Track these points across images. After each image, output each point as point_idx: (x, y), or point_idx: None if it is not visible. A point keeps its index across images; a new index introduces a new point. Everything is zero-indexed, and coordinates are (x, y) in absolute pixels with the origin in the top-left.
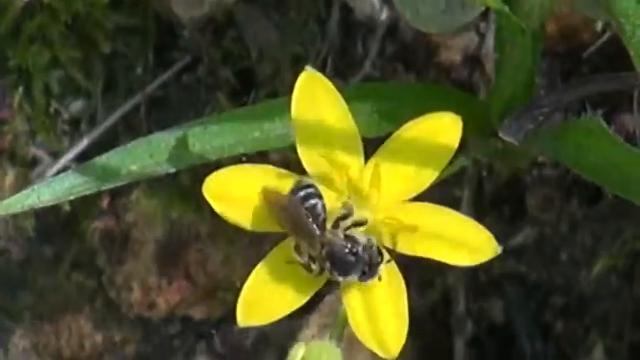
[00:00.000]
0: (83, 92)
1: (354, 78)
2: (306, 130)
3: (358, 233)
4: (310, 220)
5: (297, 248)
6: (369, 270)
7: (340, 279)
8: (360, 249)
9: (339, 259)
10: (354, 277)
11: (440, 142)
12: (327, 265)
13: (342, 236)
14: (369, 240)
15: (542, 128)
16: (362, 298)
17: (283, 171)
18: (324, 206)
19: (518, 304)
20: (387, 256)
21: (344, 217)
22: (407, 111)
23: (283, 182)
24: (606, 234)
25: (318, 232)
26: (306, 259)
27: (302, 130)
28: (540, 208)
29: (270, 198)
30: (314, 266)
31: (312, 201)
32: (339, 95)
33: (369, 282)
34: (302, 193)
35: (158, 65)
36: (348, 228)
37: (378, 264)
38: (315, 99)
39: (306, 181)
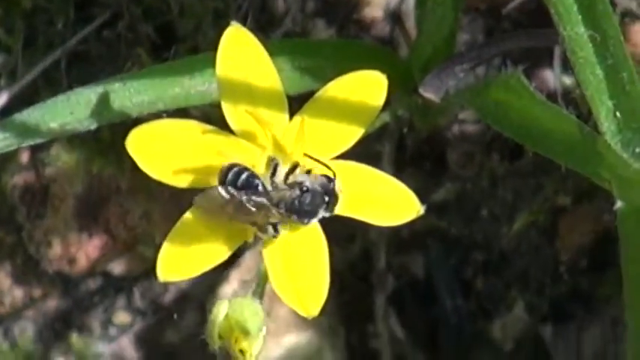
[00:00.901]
0: (3, 47)
1: (274, 33)
2: (231, 85)
3: (296, 176)
4: (253, 198)
5: (257, 227)
6: (329, 198)
7: (313, 221)
8: (308, 185)
9: (299, 206)
10: (323, 213)
11: (365, 100)
12: (295, 218)
13: (286, 187)
14: (308, 174)
15: (463, 85)
16: (283, 257)
17: (206, 125)
18: (254, 174)
19: (438, 259)
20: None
21: (275, 171)
22: (328, 67)
23: (206, 137)
24: (527, 190)
25: (267, 202)
26: (271, 231)
27: (227, 86)
28: (461, 164)
29: (208, 208)
30: (280, 229)
31: (243, 176)
32: (264, 51)
33: (336, 210)
34: (230, 176)
35: (79, 20)
36: (286, 178)
37: (333, 186)
38: (240, 54)
39: (225, 165)
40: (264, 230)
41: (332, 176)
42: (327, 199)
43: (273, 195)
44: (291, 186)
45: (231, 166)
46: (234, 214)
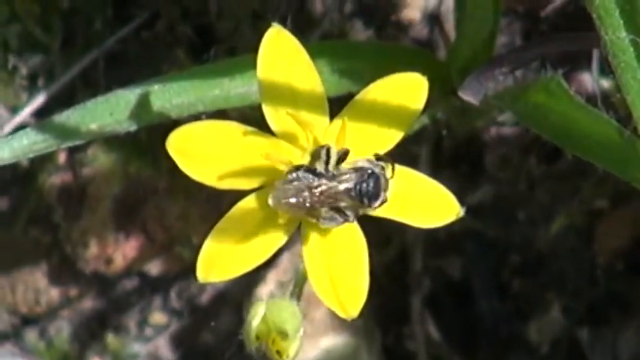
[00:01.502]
0: (41, 47)
1: (312, 35)
2: (272, 87)
3: (356, 162)
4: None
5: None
6: (386, 178)
7: (377, 204)
8: (367, 167)
9: (363, 190)
10: (386, 194)
11: (406, 102)
12: (365, 201)
13: (346, 172)
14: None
15: (502, 87)
16: (323, 258)
17: (246, 127)
18: (309, 168)
19: (475, 261)
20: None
21: (327, 158)
22: (367, 69)
23: (247, 138)
24: (564, 192)
25: (337, 187)
26: (340, 218)
27: (268, 87)
28: (498, 167)
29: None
30: (349, 213)
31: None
32: (305, 52)
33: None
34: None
35: (117, 21)
36: (339, 162)
37: (388, 166)
38: (281, 56)
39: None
40: (329, 219)
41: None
42: (386, 177)
43: (336, 184)
44: (355, 170)
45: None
46: (301, 209)
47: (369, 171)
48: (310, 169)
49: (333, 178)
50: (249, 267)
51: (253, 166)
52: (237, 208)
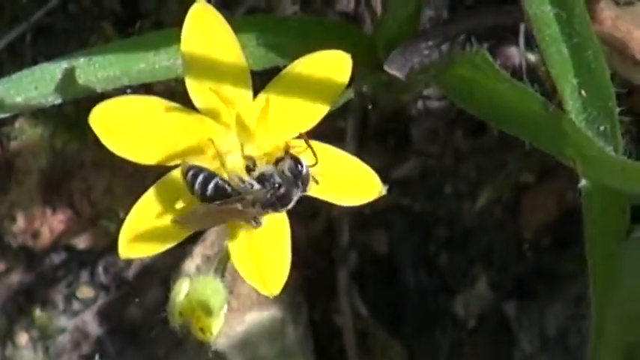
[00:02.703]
0: None
1: (239, 9)
2: (196, 62)
3: (261, 168)
4: (228, 206)
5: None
6: (301, 182)
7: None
8: (277, 179)
9: (275, 200)
10: (297, 196)
11: (330, 79)
12: (272, 209)
13: (257, 185)
14: (274, 165)
15: (428, 62)
16: (246, 235)
17: (170, 103)
18: (221, 181)
19: (401, 236)
20: (306, 161)
21: (251, 170)
22: (293, 44)
23: (170, 114)
24: (491, 166)
25: (240, 207)
26: (253, 224)
27: (191, 63)
28: (425, 140)
29: (189, 218)
30: (261, 220)
31: (211, 185)
32: (229, 28)
33: (310, 187)
34: (197, 186)
35: None
36: (250, 172)
37: (303, 169)
38: (205, 31)
39: (187, 167)
40: (245, 222)
41: (301, 161)
42: (299, 183)
43: (248, 197)
44: (261, 181)
45: (192, 170)
46: (213, 219)
47: (276, 184)
48: (219, 187)
49: (241, 199)
50: (171, 243)
51: (176, 143)
52: (159, 184)
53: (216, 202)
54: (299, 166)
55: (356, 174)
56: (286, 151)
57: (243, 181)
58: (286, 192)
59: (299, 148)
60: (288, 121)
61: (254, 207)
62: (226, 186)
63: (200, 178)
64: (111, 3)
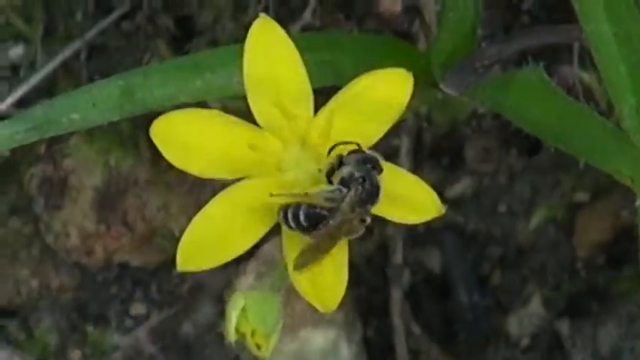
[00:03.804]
0: (23, 38)
1: (294, 26)
2: (258, 77)
3: (338, 173)
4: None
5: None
6: (376, 166)
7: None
8: (357, 173)
9: (367, 194)
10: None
11: (391, 97)
12: (371, 203)
13: (344, 189)
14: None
15: (483, 80)
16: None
17: (231, 117)
18: (307, 207)
19: (455, 254)
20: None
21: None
22: (348, 62)
23: (231, 128)
24: (545, 185)
25: (341, 218)
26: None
27: (253, 78)
28: (479, 159)
29: (305, 259)
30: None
31: (301, 217)
32: (291, 43)
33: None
34: (291, 222)
35: (98, 11)
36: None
37: (370, 156)
38: (268, 46)
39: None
40: (355, 231)
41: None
42: (375, 168)
43: (344, 205)
44: (345, 184)
45: (281, 211)
46: (326, 244)
47: (359, 179)
48: (310, 214)
49: (335, 211)
50: (229, 257)
51: (236, 157)
52: (219, 198)
53: (320, 228)
54: (366, 152)
55: (415, 192)
56: (350, 151)
57: (332, 193)
58: (371, 181)
59: None
60: (349, 138)
61: (353, 211)
62: (316, 210)
63: (289, 214)
64: (165, 21)
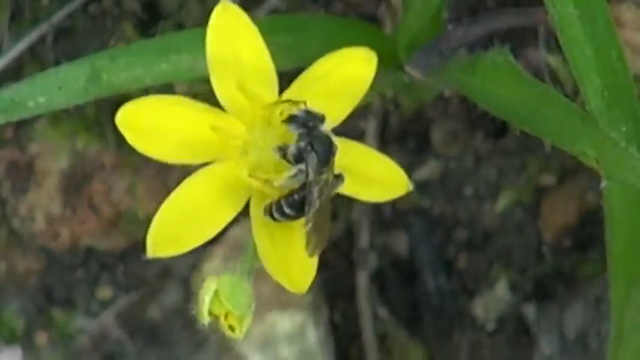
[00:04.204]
0: None
1: (260, 10)
2: (221, 60)
3: (290, 150)
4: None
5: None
6: (317, 118)
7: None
8: (306, 140)
9: (324, 153)
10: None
11: (355, 77)
12: (332, 156)
13: (302, 165)
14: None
15: (450, 63)
16: (272, 233)
17: (195, 102)
18: (285, 199)
19: (421, 237)
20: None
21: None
22: (315, 44)
23: (195, 112)
24: (511, 168)
25: (317, 190)
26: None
27: (217, 62)
28: (445, 142)
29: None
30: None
31: (286, 209)
32: (254, 27)
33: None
34: (279, 217)
35: None
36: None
37: (306, 112)
38: (230, 30)
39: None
40: (336, 187)
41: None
42: (317, 121)
43: (311, 177)
44: (300, 157)
45: (265, 212)
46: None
47: (310, 145)
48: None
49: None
50: (199, 242)
51: (202, 141)
52: (187, 183)
53: (307, 208)
54: (301, 112)
55: (383, 169)
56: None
57: (295, 175)
58: (320, 139)
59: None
60: None
61: (322, 174)
62: (294, 197)
63: (275, 212)
64: (132, 4)
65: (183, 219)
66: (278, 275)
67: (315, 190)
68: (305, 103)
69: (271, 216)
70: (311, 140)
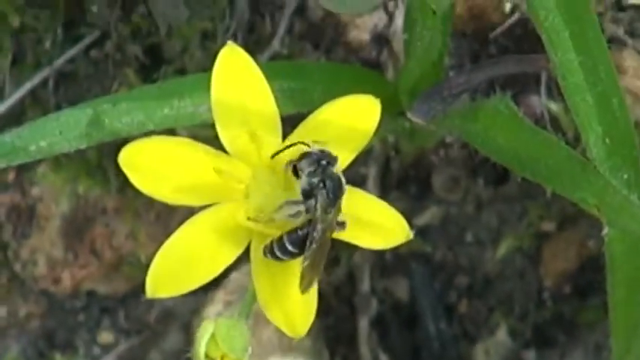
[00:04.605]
0: None
1: (262, 55)
2: (226, 104)
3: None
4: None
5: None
6: (328, 160)
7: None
8: (315, 178)
9: (332, 193)
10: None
11: (358, 124)
12: (339, 198)
13: (311, 200)
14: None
15: (451, 109)
16: (271, 276)
17: (199, 144)
18: (287, 236)
19: (422, 283)
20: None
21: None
22: (316, 90)
23: (199, 154)
24: (512, 215)
25: (320, 226)
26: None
27: (221, 105)
28: (446, 188)
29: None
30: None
31: (288, 247)
32: (259, 71)
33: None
34: (281, 256)
35: (67, 40)
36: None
37: (316, 152)
38: (235, 73)
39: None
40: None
41: (303, 150)
42: (327, 162)
43: (317, 214)
44: (308, 194)
45: (266, 250)
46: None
47: (320, 183)
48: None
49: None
50: (198, 284)
51: (205, 183)
52: (188, 224)
53: (308, 246)
54: (312, 152)
55: (384, 217)
56: (289, 161)
57: (296, 208)
58: (331, 178)
59: None
60: None
61: (328, 213)
62: (298, 233)
63: (276, 250)
64: (134, 49)
65: (183, 260)
66: (276, 319)
67: (320, 229)
68: (316, 143)
69: (272, 253)
70: (323, 178)
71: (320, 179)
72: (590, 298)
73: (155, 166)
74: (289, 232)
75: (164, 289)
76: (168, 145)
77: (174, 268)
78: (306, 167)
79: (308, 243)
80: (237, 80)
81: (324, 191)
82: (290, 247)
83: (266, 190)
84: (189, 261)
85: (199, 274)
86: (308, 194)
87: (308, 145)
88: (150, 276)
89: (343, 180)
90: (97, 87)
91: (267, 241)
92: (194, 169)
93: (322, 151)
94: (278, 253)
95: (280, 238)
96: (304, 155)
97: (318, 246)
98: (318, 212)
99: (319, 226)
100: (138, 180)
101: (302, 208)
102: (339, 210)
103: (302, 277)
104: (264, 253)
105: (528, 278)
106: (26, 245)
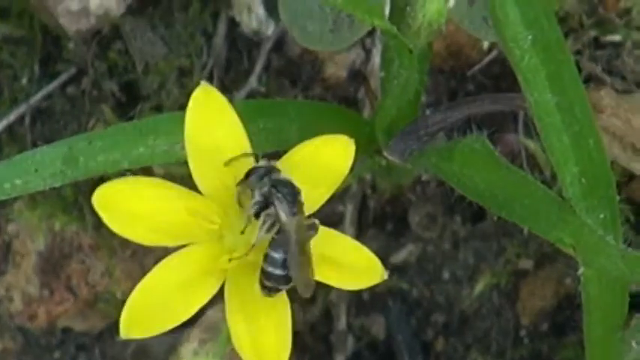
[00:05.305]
0: None
1: (239, 92)
2: (199, 145)
3: (250, 205)
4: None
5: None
6: (271, 168)
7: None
8: (265, 184)
9: (288, 195)
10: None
11: (333, 164)
12: (299, 198)
13: (268, 211)
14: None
15: (427, 147)
16: (246, 317)
17: (172, 184)
18: (270, 266)
19: (399, 320)
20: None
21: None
22: (293, 128)
23: (172, 195)
24: (489, 252)
25: (294, 232)
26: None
27: (195, 146)
28: (423, 226)
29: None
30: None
31: (276, 273)
32: (233, 111)
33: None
34: (276, 284)
35: (43, 76)
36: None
37: (260, 166)
38: (209, 114)
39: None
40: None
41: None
42: (272, 170)
43: (287, 225)
44: (263, 205)
45: (262, 285)
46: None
47: (272, 191)
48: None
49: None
50: (173, 324)
51: (178, 223)
52: (162, 265)
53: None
54: (255, 167)
55: (358, 258)
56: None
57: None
58: (281, 182)
59: None
60: None
61: (294, 214)
62: (278, 253)
63: (268, 282)
64: (110, 86)
65: (157, 301)
66: (250, 358)
67: (292, 232)
68: (266, 158)
69: (267, 288)
70: (273, 184)
71: (270, 185)
72: (567, 336)
73: (129, 207)
74: (265, 259)
75: (138, 330)
76: (142, 186)
77: (149, 310)
78: (255, 182)
79: (289, 246)
80: (211, 121)
81: (279, 195)
82: (271, 269)
83: (238, 229)
84: (163, 303)
85: (173, 315)
86: (265, 204)
87: (265, 159)
88: (124, 317)
89: (293, 181)
90: (73, 123)
91: (256, 280)
92: (167, 209)
93: (261, 165)
94: (268, 282)
95: (262, 271)
96: (250, 172)
97: (300, 249)
98: (283, 217)
99: (291, 230)
100: (112, 221)
101: (264, 217)
102: (302, 210)
103: (297, 285)
104: (262, 292)
105: (505, 316)
106: (2, 281)
